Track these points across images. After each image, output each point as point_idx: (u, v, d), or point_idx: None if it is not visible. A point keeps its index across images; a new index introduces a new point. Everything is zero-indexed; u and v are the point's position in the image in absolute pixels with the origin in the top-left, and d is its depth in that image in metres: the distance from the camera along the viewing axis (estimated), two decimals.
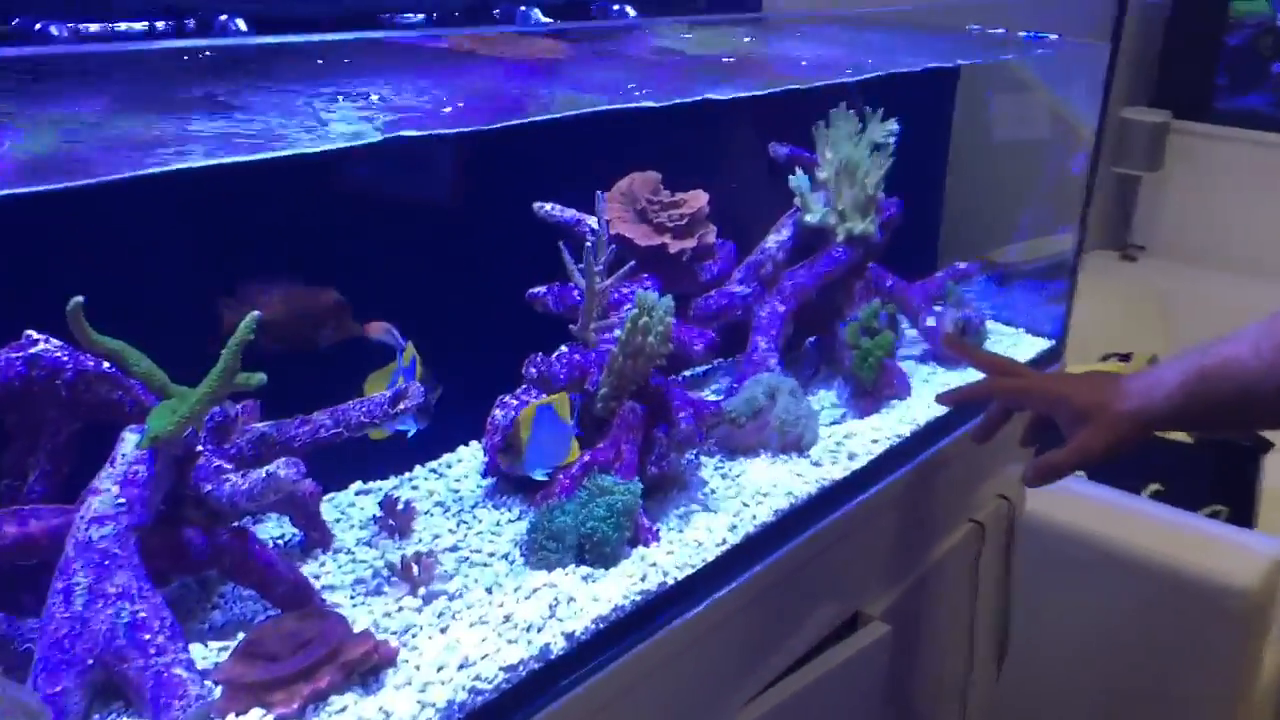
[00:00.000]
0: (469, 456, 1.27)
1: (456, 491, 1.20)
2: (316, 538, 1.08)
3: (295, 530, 1.09)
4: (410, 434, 1.06)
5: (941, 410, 1.50)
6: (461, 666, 0.93)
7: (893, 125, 1.52)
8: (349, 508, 1.17)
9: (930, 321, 1.61)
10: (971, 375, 1.62)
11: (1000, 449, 1.77)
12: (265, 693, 0.86)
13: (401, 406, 0.97)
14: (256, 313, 0.89)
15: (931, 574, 1.64)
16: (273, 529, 1.11)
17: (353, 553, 1.08)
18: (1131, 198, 3.93)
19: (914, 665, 1.70)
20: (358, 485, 1.20)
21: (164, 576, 0.93)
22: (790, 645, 1.34)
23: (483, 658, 0.95)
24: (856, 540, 1.40)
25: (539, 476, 1.13)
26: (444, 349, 1.16)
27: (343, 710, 0.87)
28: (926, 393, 1.54)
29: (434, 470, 1.25)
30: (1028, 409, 1.30)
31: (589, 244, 1.14)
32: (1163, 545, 2.09)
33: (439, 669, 0.93)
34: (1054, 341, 1.82)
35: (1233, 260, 3.65)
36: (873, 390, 1.47)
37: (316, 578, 1.04)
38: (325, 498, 1.17)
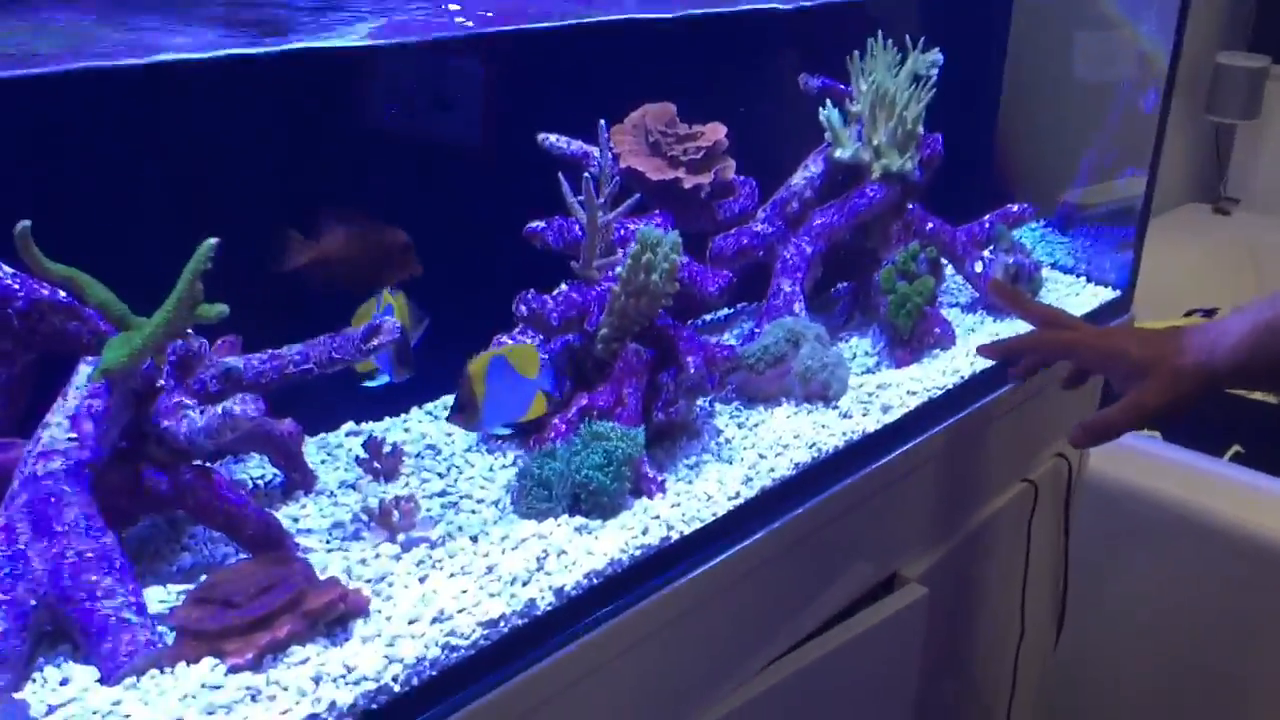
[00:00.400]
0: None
1: (450, 435, 1.15)
2: (298, 479, 1.04)
3: (276, 471, 1.05)
4: (379, 384, 1.01)
5: (987, 363, 1.41)
6: (436, 620, 0.88)
7: (936, 55, 1.41)
8: (337, 449, 1.12)
9: (978, 267, 1.51)
10: (1024, 326, 1.53)
11: (1057, 406, 1.67)
12: (219, 641, 0.81)
13: (375, 342, 0.91)
14: (214, 239, 0.83)
15: (978, 535, 1.55)
16: (254, 469, 1.07)
17: (335, 495, 1.04)
18: (1226, 148, 3.73)
19: (957, 630, 1.61)
20: (349, 426, 1.16)
21: (127, 515, 0.90)
22: (817, 607, 1.27)
23: (460, 611, 0.89)
24: (892, 498, 1.32)
25: (500, 432, 1.06)
26: (441, 287, 1.11)
27: (303, 662, 0.82)
28: (972, 343, 1.44)
29: (429, 413, 1.20)
30: (1078, 365, 1.21)
31: (587, 174, 1.07)
32: (1242, 511, 1.97)
33: (411, 622, 0.87)
34: (1119, 292, 1.70)
35: None
36: (911, 339, 1.38)
37: (295, 520, 0.99)
38: (315, 438, 1.13)
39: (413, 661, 0.84)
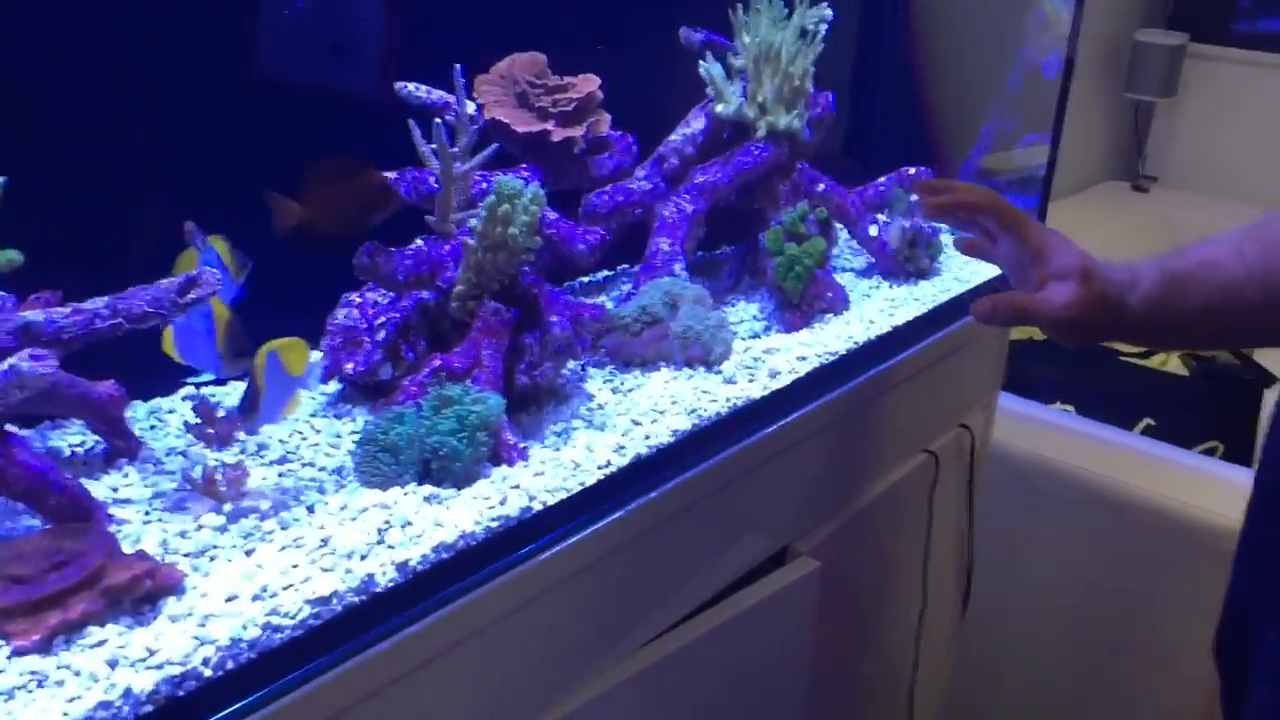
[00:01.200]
0: (316, 360, 1.14)
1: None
2: (121, 446, 0.96)
3: (98, 438, 0.97)
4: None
5: (883, 328, 1.36)
6: (257, 597, 0.81)
7: (825, 10, 1.36)
8: (168, 414, 1.04)
9: (873, 230, 1.46)
10: (922, 291, 1.49)
11: (958, 376, 1.64)
12: (3, 621, 0.74)
13: (191, 296, 0.84)
14: (3, 178, 0.75)
15: (876, 508, 1.50)
16: (73, 436, 0.98)
17: (161, 463, 0.96)
18: (1145, 126, 3.74)
19: (855, 604, 1.57)
20: (189, 390, 1.08)
21: None
22: (702, 582, 1.22)
23: (286, 588, 0.82)
24: (781, 468, 1.26)
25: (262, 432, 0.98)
26: (289, 245, 1.04)
27: (100, 644, 0.74)
28: (868, 308, 1.40)
29: None
30: (1018, 239, 1.11)
31: (438, 120, 1.00)
32: (1150, 483, 1.97)
33: (228, 599, 0.80)
34: None
35: (1250, 193, 3.45)
36: (801, 303, 1.32)
37: (114, 490, 0.91)
38: (148, 403, 1.05)
39: (227, 643, 0.77)
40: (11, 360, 0.76)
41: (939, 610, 1.76)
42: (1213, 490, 1.92)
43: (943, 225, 1.59)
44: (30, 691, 0.70)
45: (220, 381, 1.08)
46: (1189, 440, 2.22)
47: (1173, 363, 2.44)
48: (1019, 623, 2.09)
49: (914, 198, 1.52)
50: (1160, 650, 1.96)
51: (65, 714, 0.69)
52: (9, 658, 0.72)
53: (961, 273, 1.54)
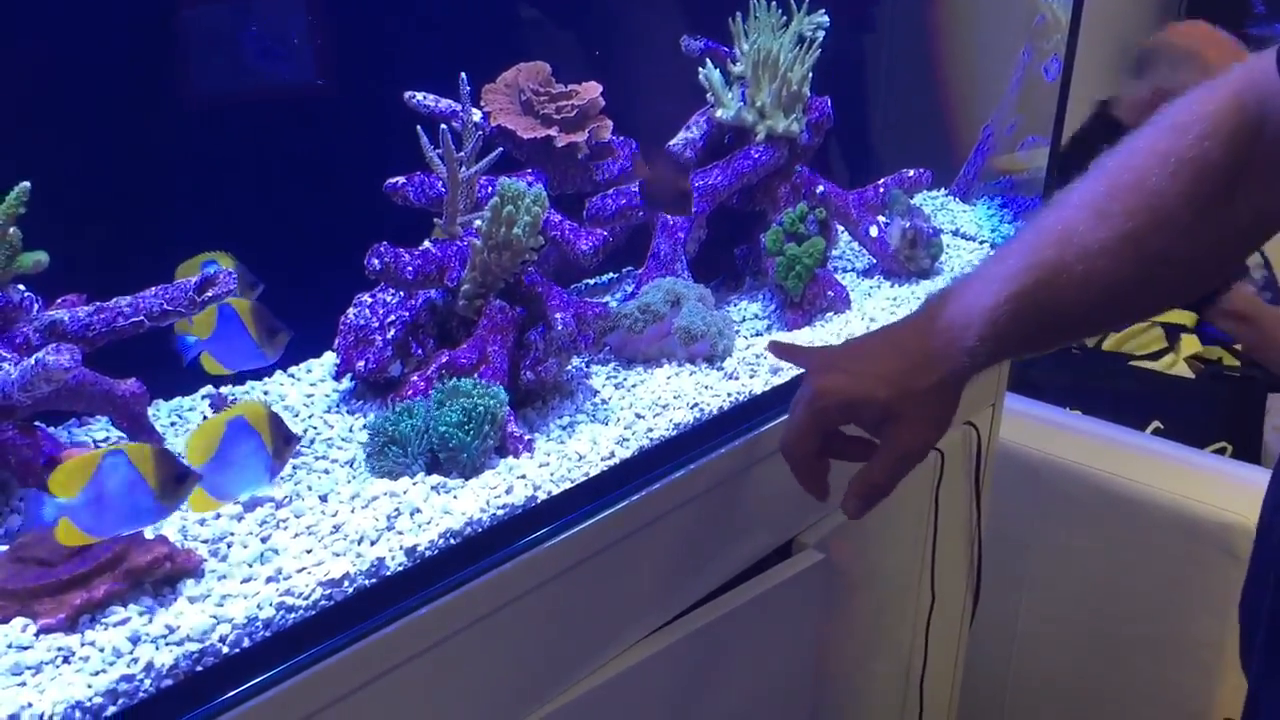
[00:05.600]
0: (330, 361, 1.18)
1: (310, 396, 1.11)
2: (143, 441, 0.99)
3: (121, 434, 1.01)
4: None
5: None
6: (271, 580, 0.84)
7: (821, 17, 1.39)
8: (188, 412, 1.08)
9: (873, 231, 1.49)
10: (924, 290, 1.51)
11: None
12: (31, 600, 0.78)
13: (209, 294, 0.88)
14: (26, 183, 0.80)
15: (882, 502, 1.52)
16: (98, 432, 1.03)
17: (181, 455, 0.99)
18: None
19: (861, 599, 1.59)
20: (207, 389, 1.12)
21: None
22: (707, 574, 1.24)
23: (300, 571, 0.86)
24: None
25: (231, 503, 0.92)
26: (303, 249, 1.08)
27: (123, 623, 0.78)
28: (869, 307, 1.42)
29: (292, 375, 1.16)
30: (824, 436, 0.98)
31: (444, 127, 1.04)
32: (1161, 481, 1.97)
33: (244, 581, 0.84)
34: None
35: None
36: (802, 302, 1.36)
37: None
38: (170, 402, 1.09)
39: (243, 621, 0.80)
40: (39, 354, 0.80)
41: (948, 606, 1.78)
42: (1225, 488, 1.92)
43: (943, 226, 1.62)
44: (57, 666, 0.74)
45: (239, 381, 1.13)
46: (1197, 442, 2.23)
47: (1179, 366, 2.44)
48: (1029, 620, 2.10)
49: (914, 199, 1.56)
50: (1172, 648, 1.96)
51: (90, 686, 0.73)
52: (36, 635, 0.76)
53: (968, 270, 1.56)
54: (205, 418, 1.04)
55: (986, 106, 1.78)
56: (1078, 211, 0.86)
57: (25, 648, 0.75)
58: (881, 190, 1.50)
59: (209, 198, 1.13)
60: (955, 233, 1.71)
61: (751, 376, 1.23)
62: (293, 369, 1.17)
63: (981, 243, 1.71)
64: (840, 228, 1.49)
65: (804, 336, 1.34)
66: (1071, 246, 0.85)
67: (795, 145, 1.40)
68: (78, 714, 0.71)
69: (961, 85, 1.82)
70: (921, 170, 1.54)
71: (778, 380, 1.24)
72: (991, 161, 1.81)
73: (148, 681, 0.75)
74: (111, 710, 0.73)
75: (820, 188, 1.42)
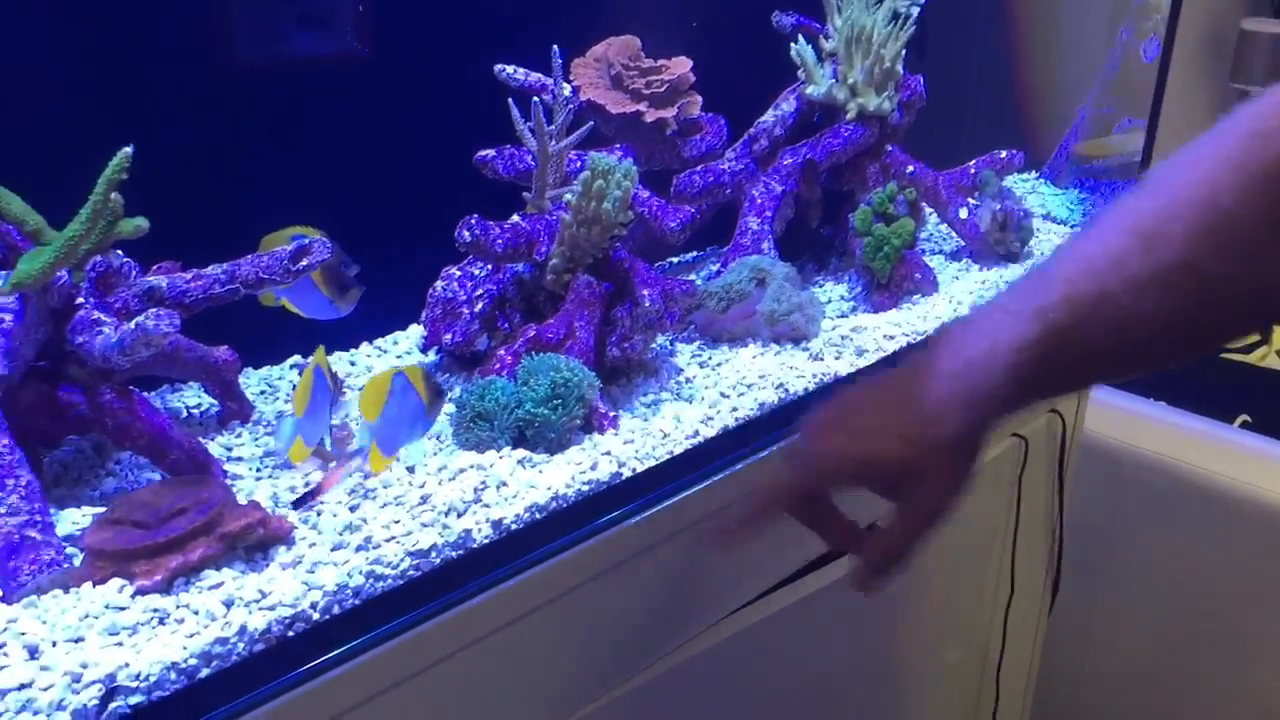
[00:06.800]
0: (417, 334, 1.18)
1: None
2: (235, 409, 1.01)
3: (213, 400, 1.02)
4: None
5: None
6: (361, 548, 0.85)
7: None
8: (278, 380, 1.09)
9: (963, 213, 1.46)
10: (1012, 274, 1.48)
11: None
12: (128, 562, 0.78)
13: (304, 263, 0.88)
14: (129, 149, 0.80)
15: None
16: (190, 398, 1.04)
17: (272, 425, 1.01)
18: None
19: (938, 586, 1.57)
20: (296, 359, 1.13)
21: (48, 437, 0.87)
22: (786, 555, 1.23)
23: (389, 540, 0.86)
24: None
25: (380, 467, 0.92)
26: (391, 221, 1.08)
27: (216, 586, 0.79)
28: (957, 290, 1.40)
29: (379, 347, 1.17)
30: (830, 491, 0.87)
31: (536, 99, 1.03)
32: (1248, 475, 1.92)
33: (335, 549, 0.85)
34: None
35: None
36: (889, 284, 1.33)
37: (229, 450, 0.97)
38: (259, 371, 1.10)
39: (334, 589, 0.81)
40: (139, 319, 0.81)
41: (1026, 597, 1.75)
42: None
43: (1033, 209, 1.58)
44: (153, 627, 0.75)
45: (327, 350, 1.13)
46: None
47: (1270, 358, 2.37)
48: (1107, 613, 2.06)
49: (1005, 181, 1.52)
50: (1254, 646, 1.91)
51: (184, 648, 0.73)
52: (133, 596, 0.77)
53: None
54: (294, 386, 1.05)
55: (1081, 87, 1.74)
56: (1124, 235, 0.71)
57: (122, 609, 0.76)
58: (973, 172, 1.47)
59: (298, 168, 1.13)
60: (1046, 216, 1.67)
61: (837, 358, 1.21)
62: (380, 341, 1.18)
63: (1072, 226, 1.67)
64: (929, 209, 1.46)
65: (890, 318, 1.31)
66: (1116, 276, 0.71)
67: (886, 124, 1.37)
68: (172, 675, 0.72)
69: (1055, 64, 1.78)
70: (1014, 151, 1.50)
71: (862, 362, 1.22)
72: (1076, 147, 1.77)
73: (241, 645, 0.76)
74: (205, 672, 0.74)
75: (910, 168, 1.39)
